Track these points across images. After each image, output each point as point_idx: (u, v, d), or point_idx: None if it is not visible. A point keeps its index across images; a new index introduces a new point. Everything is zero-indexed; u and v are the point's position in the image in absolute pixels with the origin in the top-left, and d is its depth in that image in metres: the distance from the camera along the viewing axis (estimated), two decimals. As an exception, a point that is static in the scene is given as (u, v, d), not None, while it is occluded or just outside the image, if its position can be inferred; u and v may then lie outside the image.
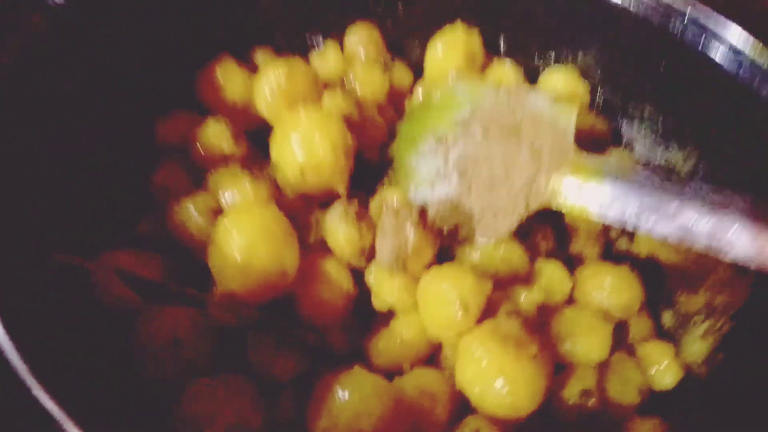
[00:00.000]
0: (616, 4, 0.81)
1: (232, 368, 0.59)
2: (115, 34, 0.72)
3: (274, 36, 0.91)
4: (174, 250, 0.66)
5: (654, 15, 0.79)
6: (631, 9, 0.80)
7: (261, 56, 0.86)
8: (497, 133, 0.74)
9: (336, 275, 0.62)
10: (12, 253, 0.51)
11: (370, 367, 0.62)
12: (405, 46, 0.99)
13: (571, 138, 0.71)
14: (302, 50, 0.92)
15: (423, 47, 0.95)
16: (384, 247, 0.61)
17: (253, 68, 0.82)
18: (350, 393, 0.52)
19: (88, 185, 0.67)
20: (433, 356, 0.65)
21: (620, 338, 0.70)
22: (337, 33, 0.94)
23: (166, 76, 0.78)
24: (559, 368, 0.63)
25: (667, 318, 0.76)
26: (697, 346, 0.72)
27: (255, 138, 0.80)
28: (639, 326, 0.72)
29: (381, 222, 0.62)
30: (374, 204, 0.71)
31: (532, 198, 0.69)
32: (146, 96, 0.76)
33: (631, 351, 0.71)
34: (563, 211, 0.69)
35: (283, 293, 0.59)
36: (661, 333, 0.75)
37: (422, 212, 0.66)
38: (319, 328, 0.61)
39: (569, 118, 0.73)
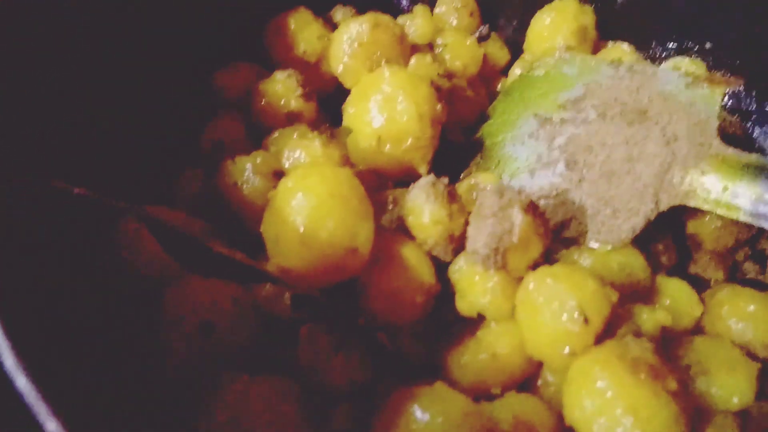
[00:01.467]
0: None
1: (276, 369, 0.47)
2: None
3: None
4: (221, 218, 0.54)
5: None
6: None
7: (342, 14, 0.74)
8: (617, 115, 0.61)
9: (416, 264, 0.49)
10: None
11: (450, 384, 0.48)
12: (501, 23, 0.87)
13: (714, 126, 0.58)
14: (389, 14, 0.81)
15: (521, 26, 0.83)
16: (480, 234, 0.49)
17: (332, 28, 0.71)
18: (433, 415, 0.39)
19: (130, 132, 0.57)
20: (527, 381, 0.51)
21: (762, 384, 0.55)
22: (429, 0, 0.83)
23: (233, 24, 0.69)
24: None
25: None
26: None
27: (325, 105, 0.69)
28: (787, 370, 0.56)
29: (480, 202, 0.49)
30: (462, 189, 0.58)
31: (664, 194, 0.56)
32: (209, 43, 0.66)
33: (775, 401, 0.55)
34: (708, 209, 0.55)
35: (351, 277, 0.46)
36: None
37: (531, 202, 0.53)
38: (389, 330, 0.49)
39: (712, 103, 0.59)
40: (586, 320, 0.45)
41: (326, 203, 0.43)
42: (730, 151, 0.57)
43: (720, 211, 0.55)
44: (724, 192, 0.55)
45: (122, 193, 0.52)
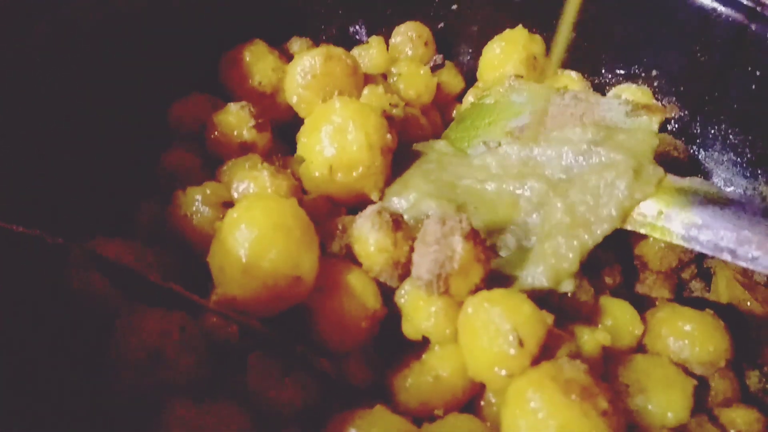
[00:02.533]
0: (704, 7, 0.71)
1: (225, 394, 0.48)
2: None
3: (314, 29, 0.83)
4: (176, 247, 0.56)
5: (750, 19, 0.68)
6: (722, 11, 0.70)
7: (298, 46, 0.77)
8: (560, 142, 0.64)
9: (361, 290, 0.51)
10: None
11: (395, 407, 0.50)
12: (457, 51, 0.90)
13: (650, 152, 0.60)
14: (345, 45, 0.83)
15: (477, 54, 0.85)
16: (424, 260, 0.50)
17: (287, 59, 0.73)
18: (369, 438, 0.40)
19: (86, 163, 0.59)
20: (472, 401, 0.53)
21: (700, 399, 0.57)
22: (384, 31, 0.85)
23: (190, 57, 0.70)
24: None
25: (753, 379, 0.64)
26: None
27: (282, 135, 0.71)
28: (722, 386, 0.59)
29: (423, 230, 0.51)
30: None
31: (604, 220, 0.58)
32: (165, 75, 0.68)
33: (712, 416, 0.58)
34: (643, 233, 0.57)
35: (295, 305, 0.48)
36: (746, 397, 0.62)
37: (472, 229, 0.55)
38: (336, 354, 0.50)
39: (650, 130, 0.62)
40: (521, 343, 0.47)
41: (269, 234, 0.45)
42: (666, 177, 0.59)
43: (655, 235, 0.57)
44: (659, 216, 0.57)
45: (82, 223, 0.54)
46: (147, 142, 0.64)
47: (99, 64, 0.61)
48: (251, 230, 0.45)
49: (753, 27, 0.69)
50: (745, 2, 0.69)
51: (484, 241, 0.54)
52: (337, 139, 0.60)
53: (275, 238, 0.45)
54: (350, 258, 0.54)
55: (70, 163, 0.58)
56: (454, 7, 0.86)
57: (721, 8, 0.70)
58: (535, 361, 0.48)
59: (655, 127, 0.63)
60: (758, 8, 0.67)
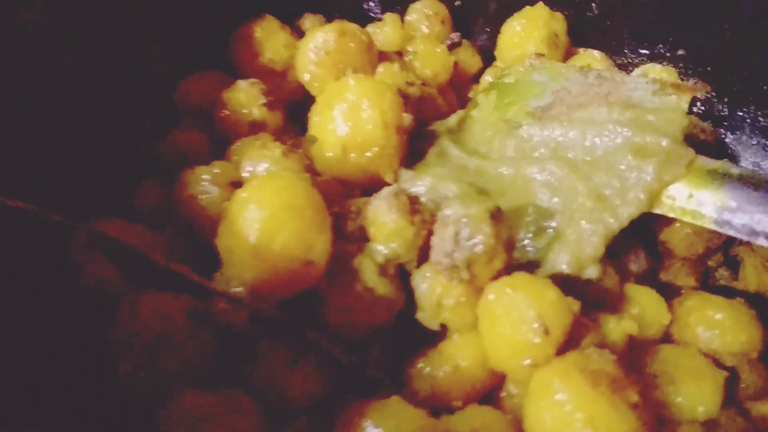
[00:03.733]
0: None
1: (234, 383, 0.45)
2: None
3: (328, 5, 0.80)
4: (182, 229, 0.54)
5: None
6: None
7: (310, 22, 0.74)
8: (585, 123, 0.61)
9: (375, 276, 0.48)
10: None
11: (412, 398, 0.47)
12: (474, 30, 0.87)
13: (682, 134, 0.57)
14: (359, 22, 0.80)
15: (495, 33, 0.82)
16: (445, 243, 0.48)
17: (300, 36, 0.71)
18: (386, 429, 0.38)
19: (91, 141, 0.57)
20: (491, 393, 0.50)
21: (730, 392, 0.55)
22: (399, 9, 0.82)
23: (199, 33, 0.68)
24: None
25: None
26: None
27: (293, 114, 0.69)
28: (754, 379, 0.56)
29: (444, 212, 0.49)
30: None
31: (631, 203, 0.55)
32: (174, 51, 0.66)
33: (742, 409, 0.55)
34: (672, 216, 0.54)
35: (307, 289, 0.45)
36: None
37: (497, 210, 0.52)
38: (349, 342, 0.48)
39: (679, 110, 0.59)
40: (546, 331, 0.44)
41: (279, 215, 0.42)
42: (696, 158, 0.56)
43: (686, 219, 0.55)
44: (689, 199, 0.54)
45: (83, 203, 0.52)
46: (156, 121, 0.62)
47: (107, 40, 0.59)
48: (261, 210, 0.42)
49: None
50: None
51: (509, 225, 0.51)
52: (350, 118, 0.57)
53: (286, 218, 0.42)
54: (365, 241, 0.51)
55: (75, 140, 0.56)
56: (472, -16, 0.83)
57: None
58: (561, 351, 0.46)
59: (685, 106, 0.60)
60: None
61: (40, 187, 0.50)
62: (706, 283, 0.68)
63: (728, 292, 0.64)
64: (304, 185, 0.45)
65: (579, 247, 0.54)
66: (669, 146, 0.57)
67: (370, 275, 0.47)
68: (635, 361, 0.53)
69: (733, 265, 0.69)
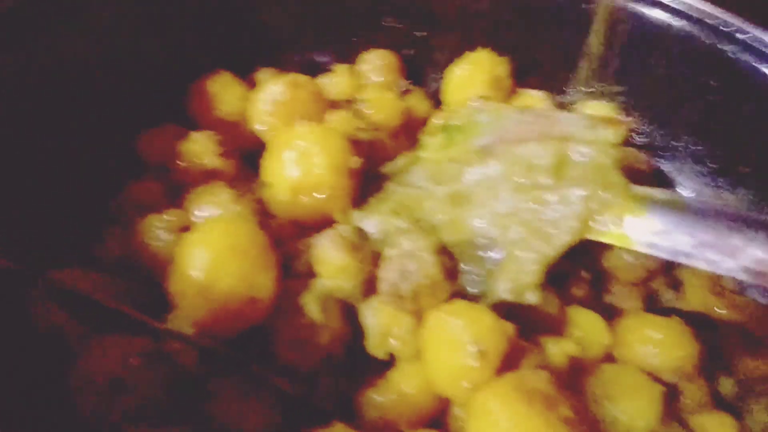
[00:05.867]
0: (656, 22, 0.73)
1: (189, 421, 0.47)
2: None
3: (281, 58, 0.84)
4: (138, 275, 0.56)
5: (702, 33, 0.70)
6: (674, 26, 0.72)
7: (263, 75, 0.78)
8: (519, 159, 0.65)
9: (321, 310, 0.51)
10: None
11: (361, 426, 0.49)
12: (426, 77, 0.91)
13: (615, 164, 0.61)
14: (312, 74, 0.84)
15: (443, 79, 0.87)
16: (391, 276, 0.51)
17: (253, 87, 0.75)
18: (327, 456, 0.40)
19: (51, 193, 0.59)
20: (438, 417, 0.52)
21: (670, 406, 0.57)
22: (352, 59, 0.87)
23: (156, 90, 0.71)
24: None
25: (726, 386, 0.63)
26: (764, 419, 0.59)
27: (250, 162, 0.72)
28: (693, 393, 0.59)
29: (393, 244, 0.52)
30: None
31: (564, 231, 0.58)
32: (133, 106, 0.69)
33: (683, 423, 0.57)
34: (605, 241, 0.58)
35: (253, 326, 0.48)
36: (719, 403, 0.62)
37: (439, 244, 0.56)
38: (299, 375, 0.50)
39: (612, 143, 0.63)
40: (483, 354, 0.47)
41: (224, 255, 0.45)
42: (627, 186, 0.60)
43: (617, 243, 0.58)
44: (620, 225, 0.58)
45: (44, 253, 0.54)
46: (115, 173, 0.65)
47: (64, 97, 0.62)
48: (206, 253, 0.45)
49: (705, 39, 0.70)
50: (695, 16, 0.71)
51: (452, 257, 0.55)
52: (300, 163, 0.60)
53: (231, 259, 0.45)
54: (312, 277, 0.54)
55: (35, 192, 0.58)
56: (420, 33, 0.88)
57: (672, 22, 0.72)
58: (499, 373, 0.48)
59: (616, 138, 0.64)
60: (708, 20, 0.69)
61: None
62: (653, 305, 0.71)
63: (674, 313, 0.67)
64: (248, 227, 0.48)
65: (518, 275, 0.57)
66: (600, 177, 0.60)
67: (315, 310, 0.50)
68: (578, 381, 0.55)
69: (677, 287, 0.73)
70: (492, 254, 0.60)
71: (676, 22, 0.71)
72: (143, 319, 0.45)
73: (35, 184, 0.58)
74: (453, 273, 0.55)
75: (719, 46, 0.69)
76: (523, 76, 0.86)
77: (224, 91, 0.70)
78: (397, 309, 0.52)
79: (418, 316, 0.52)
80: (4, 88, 0.57)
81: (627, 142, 0.80)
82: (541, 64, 0.86)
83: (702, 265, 0.53)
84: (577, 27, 0.80)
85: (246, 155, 0.70)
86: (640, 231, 0.56)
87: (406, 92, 0.83)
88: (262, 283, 0.46)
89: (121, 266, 0.56)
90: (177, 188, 0.63)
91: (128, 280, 0.55)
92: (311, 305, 0.50)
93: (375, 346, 0.52)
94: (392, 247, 0.55)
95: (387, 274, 0.53)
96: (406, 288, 0.52)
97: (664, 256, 0.55)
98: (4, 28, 0.57)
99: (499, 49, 0.84)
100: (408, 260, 0.53)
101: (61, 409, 0.46)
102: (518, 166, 0.63)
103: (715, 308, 0.67)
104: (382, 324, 0.53)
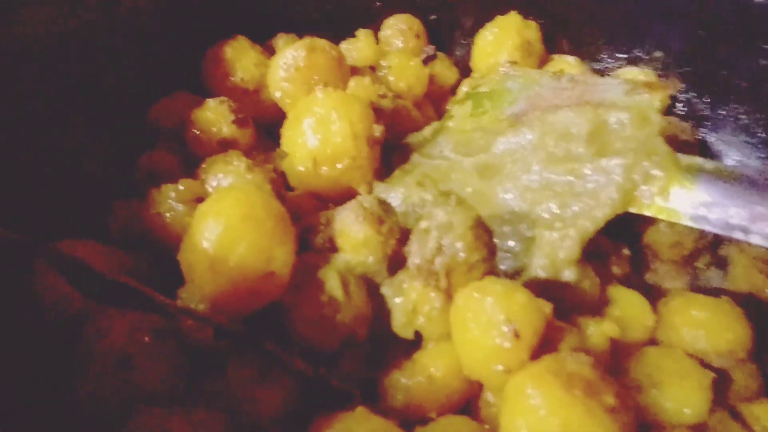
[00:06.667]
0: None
1: (203, 400, 0.44)
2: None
3: (301, 23, 0.80)
4: (150, 248, 0.53)
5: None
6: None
7: (283, 41, 0.74)
8: (556, 128, 0.60)
9: (342, 287, 0.47)
10: None
11: (385, 409, 0.46)
12: (451, 43, 0.87)
13: (656, 132, 0.56)
14: (333, 39, 0.81)
15: (471, 46, 0.82)
16: (425, 250, 0.47)
17: (273, 55, 0.71)
18: (349, 442, 0.37)
19: (63, 163, 0.57)
20: (469, 402, 0.49)
21: (720, 394, 0.53)
22: (375, 24, 0.83)
23: (172, 55, 0.68)
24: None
25: (779, 372, 0.59)
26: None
27: (270, 134, 0.68)
28: (744, 380, 0.54)
29: (427, 216, 0.48)
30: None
31: (606, 204, 0.54)
32: (147, 74, 0.66)
33: (734, 412, 0.53)
34: (649, 215, 0.53)
35: (270, 302, 0.44)
36: (768, 390, 0.57)
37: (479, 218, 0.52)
38: (318, 355, 0.46)
39: (653, 109, 0.58)
40: (516, 334, 0.43)
41: (237, 227, 0.42)
42: (670, 156, 0.55)
43: (661, 216, 0.54)
44: (664, 197, 0.53)
45: (55, 224, 0.52)
46: (129, 143, 0.62)
47: (79, 63, 0.59)
48: (218, 223, 0.42)
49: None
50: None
51: (489, 232, 0.51)
52: (320, 131, 0.57)
53: (244, 230, 0.42)
54: (334, 252, 0.51)
55: (45, 162, 0.56)
56: (448, -3, 0.84)
57: (720, -22, 0.66)
58: (535, 355, 0.44)
59: (657, 104, 0.60)
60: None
61: (11, 208, 0.50)
62: (696, 285, 0.67)
63: (719, 294, 0.62)
64: (263, 196, 0.44)
65: (554, 250, 0.53)
66: (640, 144, 0.56)
67: (336, 286, 0.46)
68: (618, 364, 0.51)
69: (723, 266, 0.68)
70: (526, 229, 0.56)
71: (724, -22, 0.66)
72: (151, 294, 0.42)
73: (46, 154, 0.56)
74: (491, 251, 0.51)
75: (770, 4, 0.63)
76: (555, 42, 0.82)
77: (240, 58, 0.66)
78: (427, 286, 0.48)
79: (449, 294, 0.49)
80: (16, 55, 0.54)
81: (669, 111, 0.76)
82: (574, 29, 0.81)
83: (758, 240, 0.49)
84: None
85: (267, 126, 0.67)
86: (689, 203, 0.52)
87: (431, 58, 0.79)
88: (279, 256, 0.43)
89: (134, 238, 0.53)
90: (193, 159, 0.60)
91: (140, 252, 0.52)
92: (332, 281, 0.46)
93: (401, 326, 0.49)
94: (425, 219, 0.51)
95: (420, 248, 0.49)
96: (439, 263, 0.48)
97: (715, 230, 0.51)
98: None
99: (530, 12, 0.80)
100: (443, 233, 0.49)
101: (68, 388, 0.43)
102: (552, 135, 0.59)
103: (765, 289, 0.62)
104: (409, 301, 0.49)
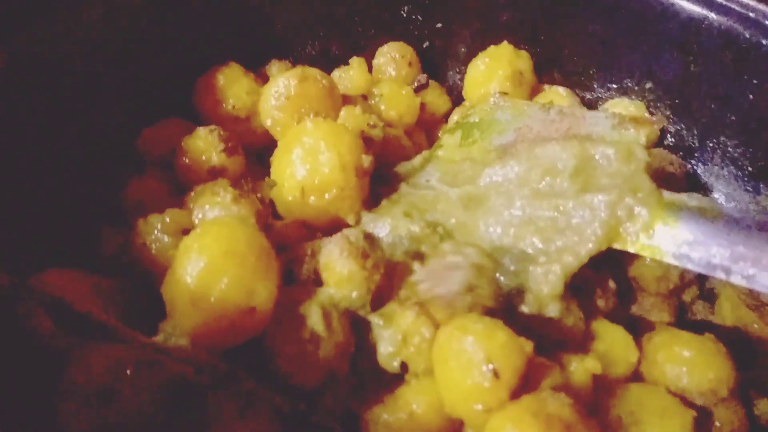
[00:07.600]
0: (693, 15, 0.68)
1: (182, 434, 0.44)
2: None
3: (294, 51, 0.81)
4: (137, 278, 0.53)
5: (743, 26, 0.65)
6: (713, 19, 0.67)
7: (276, 68, 0.75)
8: (543, 162, 0.60)
9: (325, 321, 0.47)
10: None
11: (367, 446, 0.46)
12: (445, 71, 0.88)
13: (642, 167, 0.57)
14: (327, 67, 0.81)
15: (464, 74, 0.83)
16: (429, 281, 0.48)
17: (266, 82, 0.71)
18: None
19: (54, 190, 0.57)
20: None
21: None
22: (367, 52, 0.83)
23: (162, 83, 0.69)
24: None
25: (763, 408, 0.59)
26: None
27: (262, 161, 0.69)
28: (727, 417, 0.55)
29: (432, 247, 0.50)
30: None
31: (590, 240, 0.54)
32: (136, 101, 0.66)
33: (718, 450, 0.53)
34: (633, 252, 0.53)
35: (251, 337, 0.45)
36: (755, 427, 0.57)
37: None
38: (300, 391, 0.46)
39: (639, 144, 0.59)
40: (496, 374, 0.43)
41: (219, 262, 0.42)
42: (656, 192, 0.56)
43: (645, 254, 0.54)
44: (648, 234, 0.54)
45: (43, 253, 0.52)
46: (119, 169, 0.62)
47: (70, 88, 0.60)
48: (200, 258, 0.42)
49: (747, 34, 0.65)
50: (737, 9, 0.66)
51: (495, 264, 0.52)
52: (308, 161, 0.57)
53: (226, 265, 0.42)
54: (318, 285, 0.51)
55: (35, 187, 0.56)
56: (439, 25, 0.84)
57: (712, 16, 0.67)
58: (515, 394, 0.44)
59: (643, 140, 0.60)
60: (751, 14, 0.64)
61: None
62: (683, 318, 0.67)
63: (707, 328, 0.63)
64: (246, 231, 0.44)
65: (537, 285, 0.53)
66: (625, 180, 0.56)
67: (317, 321, 0.47)
68: (601, 401, 0.52)
69: (710, 299, 0.68)
70: (507, 263, 0.56)
71: (715, 15, 0.66)
72: (131, 333, 0.42)
73: (34, 180, 0.56)
74: (496, 289, 0.52)
75: (762, 41, 0.64)
76: (546, 72, 0.83)
77: (233, 85, 0.67)
78: (419, 317, 0.49)
79: (433, 327, 0.49)
80: (3, 81, 0.54)
81: (657, 143, 0.76)
82: (566, 59, 0.82)
83: (738, 280, 0.49)
84: (604, 19, 0.76)
85: (259, 152, 0.68)
86: (672, 241, 0.52)
87: (423, 87, 0.80)
88: (262, 291, 0.43)
89: (123, 266, 0.53)
90: (182, 186, 0.60)
91: (127, 281, 0.53)
92: (314, 317, 0.47)
93: (388, 356, 0.49)
94: (430, 250, 0.52)
95: (423, 279, 0.50)
96: (443, 295, 0.49)
97: (698, 269, 0.51)
98: (4, 18, 0.55)
99: (522, 42, 0.81)
100: (448, 267, 0.50)
101: (50, 423, 0.43)
102: (538, 170, 0.59)
103: (752, 324, 0.62)
104: (399, 331, 0.49)
